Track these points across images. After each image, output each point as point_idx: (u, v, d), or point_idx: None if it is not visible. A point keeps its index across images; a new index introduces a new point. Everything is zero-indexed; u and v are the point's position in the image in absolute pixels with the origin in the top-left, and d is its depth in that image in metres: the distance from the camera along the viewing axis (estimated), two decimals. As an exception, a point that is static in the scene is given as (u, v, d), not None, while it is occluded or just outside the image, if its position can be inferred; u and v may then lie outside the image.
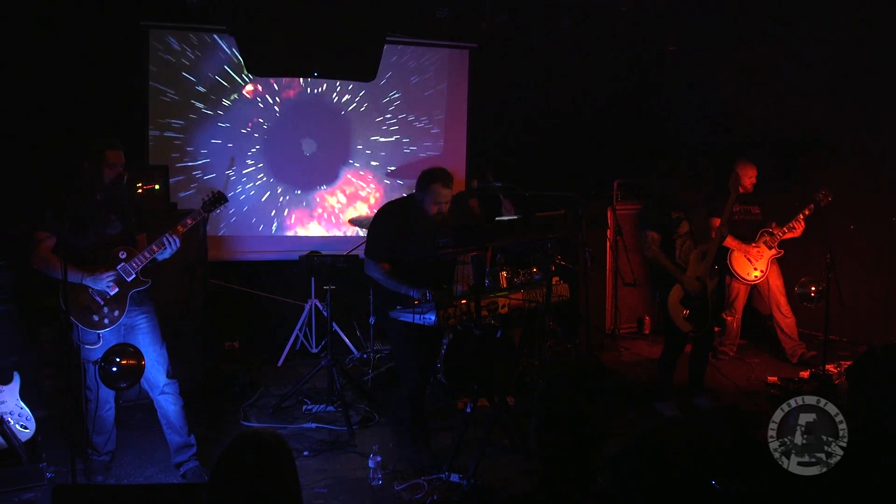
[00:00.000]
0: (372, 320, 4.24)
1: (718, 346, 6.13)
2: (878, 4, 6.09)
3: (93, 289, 3.79)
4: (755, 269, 5.91)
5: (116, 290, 3.83)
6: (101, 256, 3.86)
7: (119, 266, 3.84)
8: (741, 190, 5.72)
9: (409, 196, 4.53)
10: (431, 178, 4.28)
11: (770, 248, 5.91)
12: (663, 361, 5.13)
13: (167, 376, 4.02)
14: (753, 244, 5.90)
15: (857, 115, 6.40)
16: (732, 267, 5.91)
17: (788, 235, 5.89)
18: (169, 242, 3.89)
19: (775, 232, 5.89)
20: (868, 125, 6.37)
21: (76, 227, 3.84)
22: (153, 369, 3.98)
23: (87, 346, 3.82)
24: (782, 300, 5.99)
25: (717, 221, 5.62)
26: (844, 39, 6.23)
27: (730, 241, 5.81)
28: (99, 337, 3.82)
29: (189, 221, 4.00)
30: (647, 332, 7.17)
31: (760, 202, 5.97)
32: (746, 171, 5.79)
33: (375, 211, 4.73)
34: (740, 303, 6.07)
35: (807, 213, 5.81)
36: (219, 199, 4.13)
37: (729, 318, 6.13)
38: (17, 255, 4.78)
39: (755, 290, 6.10)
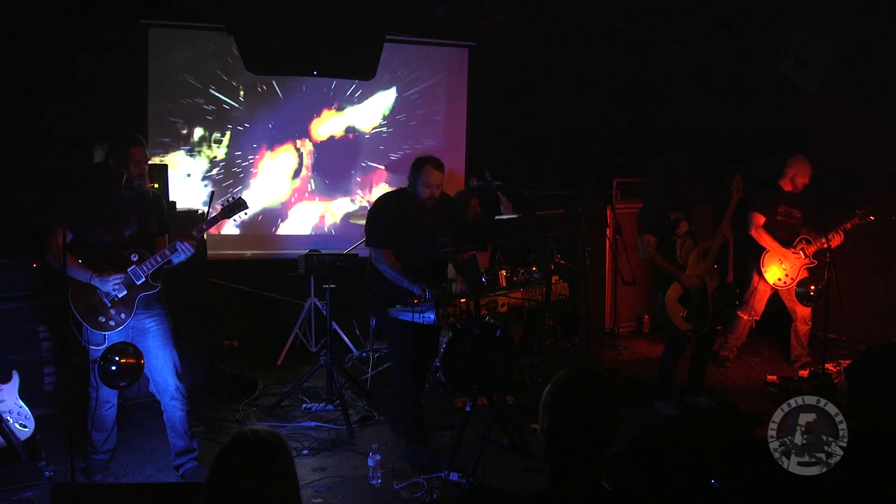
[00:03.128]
0: (373, 322, 4.25)
1: (720, 349, 5.99)
2: (876, 3, 6.09)
3: (100, 290, 3.78)
4: (785, 273, 5.74)
5: (124, 292, 3.81)
6: (113, 257, 3.82)
7: (129, 269, 3.80)
8: (789, 188, 5.66)
9: (403, 188, 4.56)
10: (422, 160, 4.37)
11: (805, 256, 5.72)
12: (664, 361, 5.13)
13: (178, 380, 3.97)
14: (791, 249, 5.74)
15: (857, 113, 6.39)
16: (762, 267, 5.75)
17: (825, 245, 5.62)
18: (183, 249, 3.84)
19: (813, 241, 5.69)
20: (867, 124, 6.37)
21: (93, 225, 3.82)
22: (163, 374, 3.95)
23: (91, 347, 3.81)
24: (808, 309, 5.83)
25: (757, 216, 5.65)
26: (842, 37, 6.22)
27: (768, 242, 5.70)
28: (105, 338, 3.80)
29: (204, 227, 3.96)
30: (646, 330, 7.17)
31: (804, 205, 5.75)
32: (800, 169, 5.64)
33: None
34: (761, 306, 5.89)
35: (848, 226, 5.62)
36: (239, 204, 4.03)
37: (745, 317, 5.93)
38: (19, 252, 4.79)
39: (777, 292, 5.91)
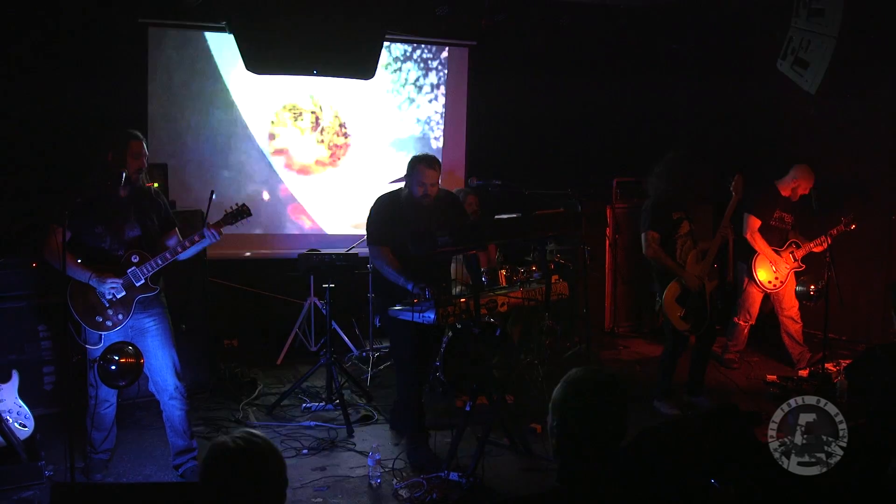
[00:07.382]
0: (377, 321, 4.26)
1: (723, 353, 6.00)
2: (873, 3, 6.09)
3: (98, 290, 3.78)
4: (776, 277, 5.75)
5: (123, 293, 3.80)
6: (114, 258, 3.82)
7: (129, 270, 3.80)
8: (787, 194, 5.68)
9: (400, 188, 4.58)
10: (416, 160, 4.40)
11: (795, 260, 5.76)
12: (663, 361, 5.13)
13: (177, 379, 3.97)
14: (781, 252, 5.76)
15: (856, 113, 6.39)
16: (754, 271, 5.75)
17: (814, 250, 5.72)
18: (210, 235, 3.89)
19: (802, 245, 5.75)
20: (866, 123, 6.37)
21: (93, 224, 3.81)
22: (162, 373, 3.94)
23: (89, 347, 3.81)
24: (795, 307, 5.85)
25: (753, 219, 5.65)
26: (841, 37, 6.23)
27: (762, 247, 5.69)
28: (100, 338, 3.79)
29: (222, 225, 3.98)
30: (645, 330, 7.16)
31: (796, 210, 5.79)
32: (804, 180, 5.66)
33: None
34: (755, 309, 5.90)
35: (834, 233, 5.65)
36: (242, 211, 4.06)
37: (742, 323, 5.95)
38: (19, 252, 4.78)
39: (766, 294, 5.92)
